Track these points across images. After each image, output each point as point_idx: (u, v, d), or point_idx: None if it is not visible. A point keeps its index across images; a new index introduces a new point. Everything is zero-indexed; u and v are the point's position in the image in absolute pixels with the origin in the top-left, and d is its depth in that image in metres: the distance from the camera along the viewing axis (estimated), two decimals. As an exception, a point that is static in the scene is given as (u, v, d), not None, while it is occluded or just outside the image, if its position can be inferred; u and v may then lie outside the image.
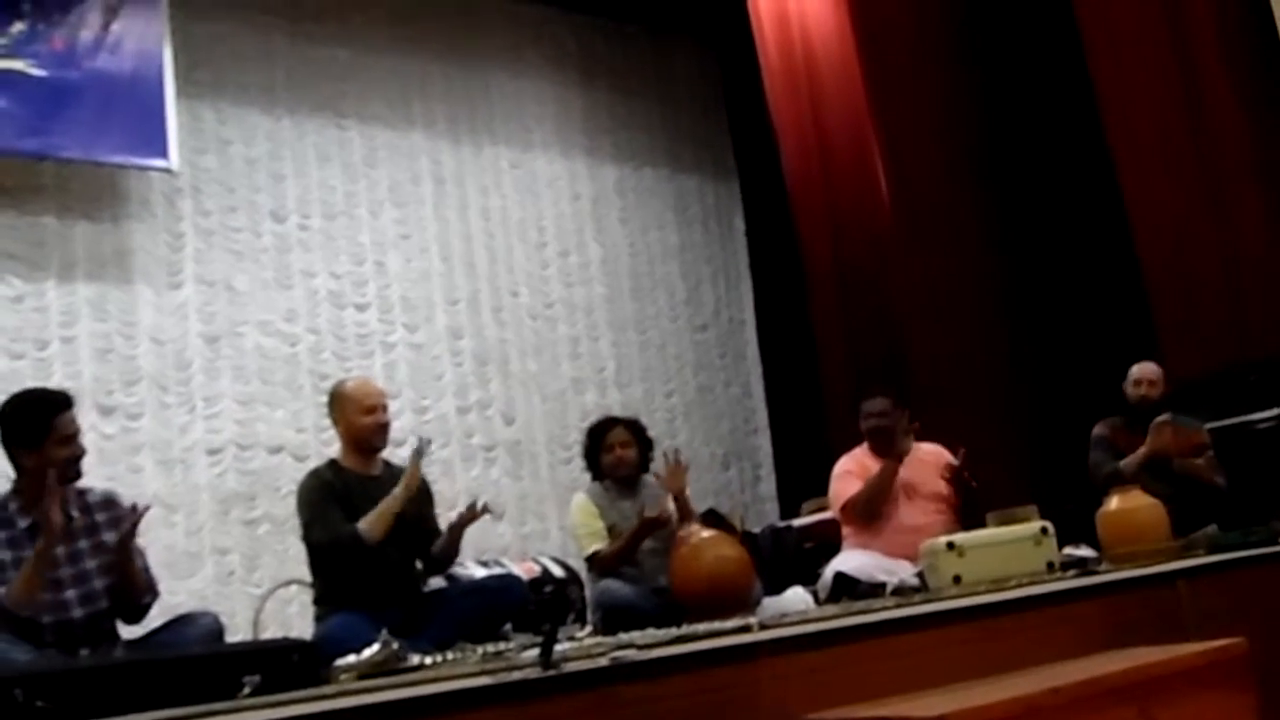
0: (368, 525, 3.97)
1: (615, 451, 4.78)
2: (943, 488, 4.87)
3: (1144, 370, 5.22)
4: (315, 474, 4.20)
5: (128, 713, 1.95)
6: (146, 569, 3.65)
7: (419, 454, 4.16)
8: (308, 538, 4.09)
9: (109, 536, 3.51)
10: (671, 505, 4.62)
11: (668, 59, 9.29)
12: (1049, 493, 4.95)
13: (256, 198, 7.18)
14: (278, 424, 6.88)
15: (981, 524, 4.58)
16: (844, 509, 4.97)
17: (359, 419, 4.16)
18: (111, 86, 6.46)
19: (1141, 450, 4.89)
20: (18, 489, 3.50)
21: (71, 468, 3.49)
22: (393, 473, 4.25)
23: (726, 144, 9.42)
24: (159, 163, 6.58)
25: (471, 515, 4.20)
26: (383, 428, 4.22)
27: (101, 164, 6.50)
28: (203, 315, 6.81)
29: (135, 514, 3.45)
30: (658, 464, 4.83)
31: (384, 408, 4.25)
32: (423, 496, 4.30)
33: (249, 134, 7.23)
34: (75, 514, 3.51)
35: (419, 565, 4.26)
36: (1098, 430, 5.24)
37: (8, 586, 3.30)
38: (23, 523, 3.44)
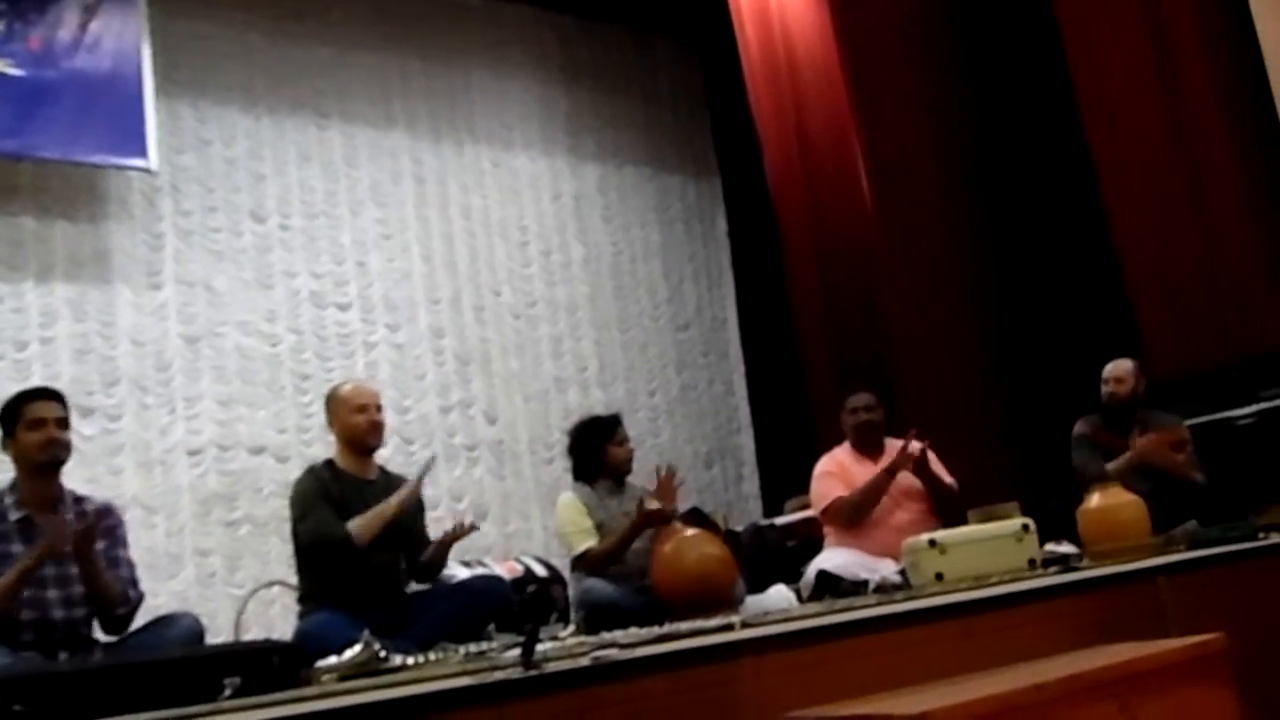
0: (358, 527, 3.99)
1: (625, 446, 4.79)
2: (919, 483, 4.90)
3: (1113, 368, 5.24)
4: (311, 471, 4.23)
5: (107, 716, 1.93)
6: (129, 580, 3.64)
7: (426, 470, 4.31)
8: (296, 533, 4.09)
9: (100, 545, 3.51)
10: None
11: (650, 58, 9.29)
12: (1031, 490, 4.97)
13: (236, 197, 7.15)
14: (259, 425, 6.85)
15: (955, 510, 4.61)
16: (826, 511, 4.97)
17: (351, 418, 4.21)
18: (90, 86, 6.43)
19: (1126, 456, 4.89)
20: (14, 484, 3.56)
21: (44, 453, 3.51)
22: (389, 480, 4.27)
23: (709, 143, 9.43)
24: (138, 162, 6.55)
25: (458, 534, 4.23)
26: (374, 426, 4.25)
27: (80, 164, 6.47)
28: (183, 316, 6.78)
29: (86, 522, 3.41)
30: (639, 476, 4.81)
31: (377, 407, 4.29)
32: (415, 504, 4.31)
33: (229, 133, 7.20)
34: (70, 518, 3.51)
35: (403, 568, 4.26)
36: (1078, 429, 5.26)
37: None
38: (14, 516, 3.49)
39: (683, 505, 5.01)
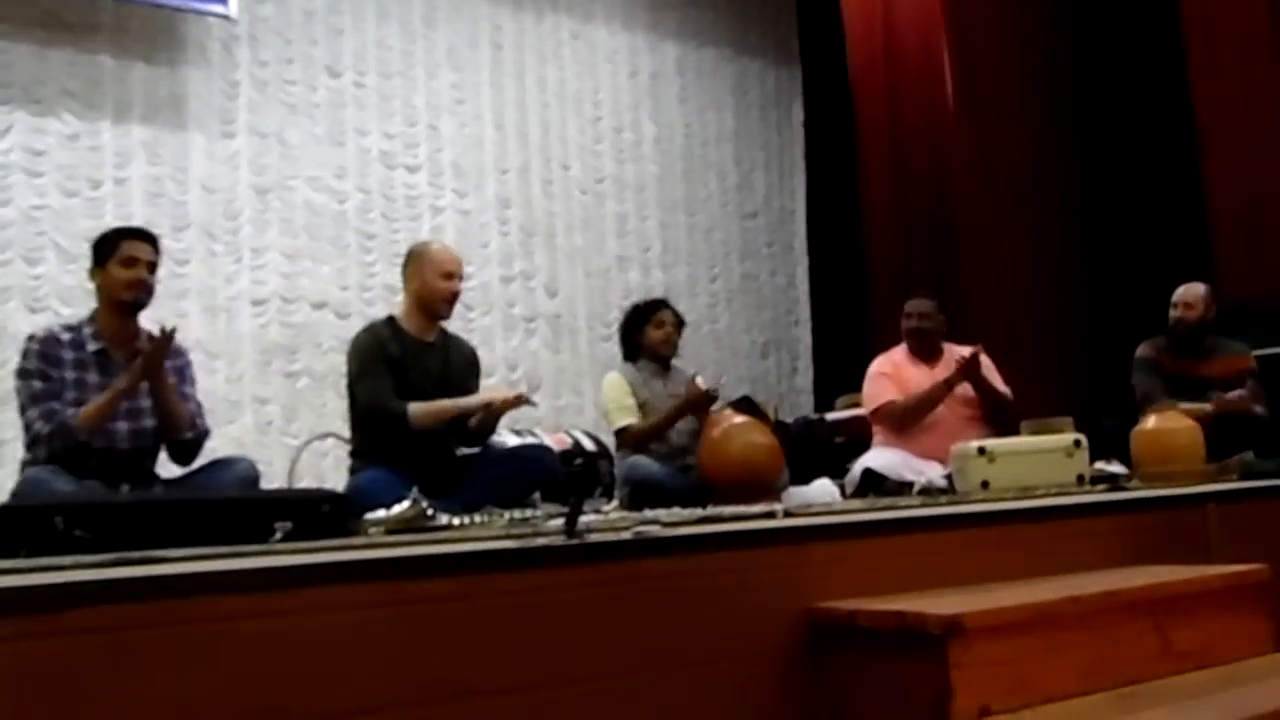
0: (418, 414, 3.96)
1: (665, 328, 4.84)
2: (973, 390, 4.87)
3: (1184, 292, 5.15)
4: (371, 330, 4.19)
5: (163, 547, 2.00)
6: (195, 407, 3.75)
7: (511, 402, 4.14)
8: (353, 393, 4.12)
9: (171, 381, 3.61)
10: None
11: (739, -63, 9.05)
12: (1088, 408, 4.93)
13: (313, 51, 7.12)
14: (322, 280, 6.92)
15: (1007, 419, 4.59)
16: (876, 412, 4.98)
17: (435, 282, 4.14)
18: (174, -74, 6.38)
19: (1209, 408, 4.75)
20: (94, 315, 3.66)
21: (129, 293, 3.60)
22: (448, 342, 4.26)
23: (793, 30, 9.22)
24: (217, 8, 6.54)
25: (516, 402, 4.17)
26: (454, 296, 4.20)
27: (160, 6, 6.45)
28: (254, 166, 6.81)
29: (160, 337, 3.49)
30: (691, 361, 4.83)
31: (460, 276, 4.25)
32: (469, 367, 4.32)
33: (308, -15, 7.15)
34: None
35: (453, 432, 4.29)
36: (1141, 351, 5.19)
37: (80, 410, 3.42)
38: (92, 347, 3.58)
39: (736, 393, 5.04)
